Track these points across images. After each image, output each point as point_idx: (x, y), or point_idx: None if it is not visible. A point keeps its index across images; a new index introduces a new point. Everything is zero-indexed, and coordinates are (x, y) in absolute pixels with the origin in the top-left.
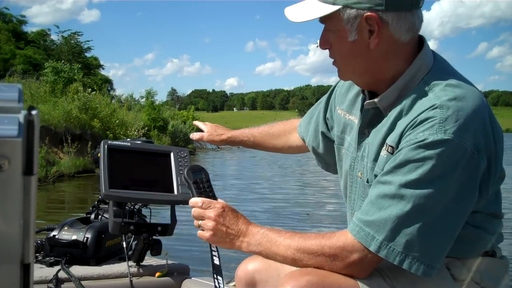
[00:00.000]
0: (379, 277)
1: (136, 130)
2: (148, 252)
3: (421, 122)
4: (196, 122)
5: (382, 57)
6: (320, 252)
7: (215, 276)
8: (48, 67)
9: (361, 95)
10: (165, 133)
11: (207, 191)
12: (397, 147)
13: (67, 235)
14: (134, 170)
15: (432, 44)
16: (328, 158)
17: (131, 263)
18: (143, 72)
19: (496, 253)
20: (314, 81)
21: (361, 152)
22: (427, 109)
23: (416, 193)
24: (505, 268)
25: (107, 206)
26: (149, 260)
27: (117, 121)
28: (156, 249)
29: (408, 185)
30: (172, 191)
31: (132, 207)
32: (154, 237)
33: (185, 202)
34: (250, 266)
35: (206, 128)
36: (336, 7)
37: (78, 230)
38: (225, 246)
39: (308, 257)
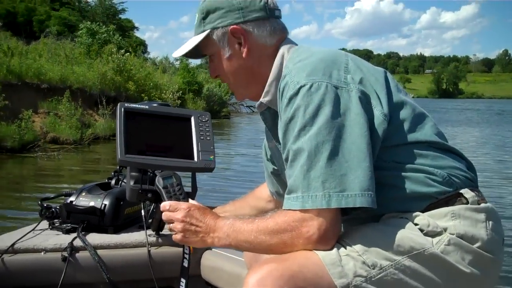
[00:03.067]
0: (337, 245)
1: (171, 93)
2: None
3: (282, 92)
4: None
5: (257, 63)
6: (278, 229)
7: (181, 278)
8: (83, 28)
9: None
10: (200, 96)
11: (177, 194)
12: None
13: (85, 201)
14: (152, 135)
15: (472, 8)
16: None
17: (149, 232)
18: (178, 34)
19: (468, 199)
20: (350, 45)
21: (279, 148)
22: (281, 80)
23: (306, 139)
24: (483, 214)
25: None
26: None
27: (152, 84)
28: None
29: (296, 138)
30: (192, 158)
31: (152, 173)
32: None
33: (206, 170)
34: None
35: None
36: (205, 32)
37: (96, 197)
38: (198, 245)
39: (270, 237)
